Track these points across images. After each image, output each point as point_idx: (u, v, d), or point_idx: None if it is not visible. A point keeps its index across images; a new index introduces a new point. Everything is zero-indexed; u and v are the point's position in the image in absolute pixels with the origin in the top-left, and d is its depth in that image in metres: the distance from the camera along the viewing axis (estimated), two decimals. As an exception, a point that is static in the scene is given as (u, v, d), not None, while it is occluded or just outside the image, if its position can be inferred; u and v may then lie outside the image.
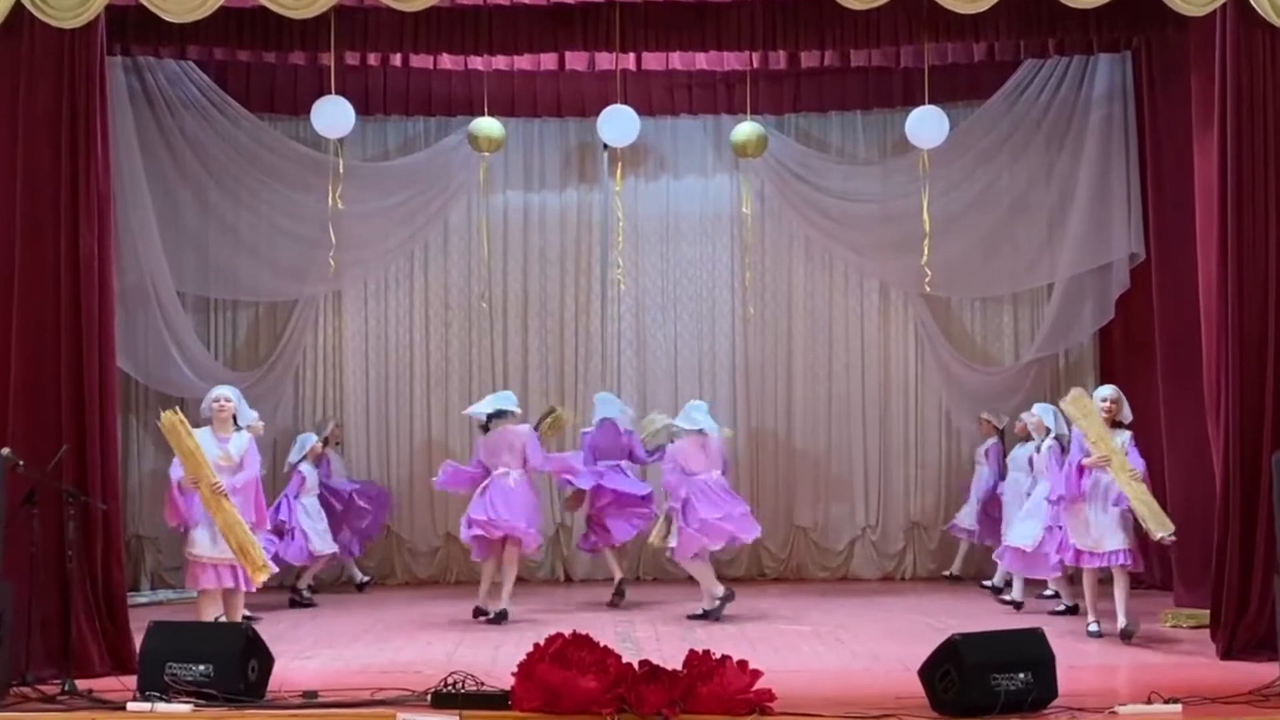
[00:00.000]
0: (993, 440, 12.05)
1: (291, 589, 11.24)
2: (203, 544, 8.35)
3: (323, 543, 11.22)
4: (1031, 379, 12.40)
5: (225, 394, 8.74)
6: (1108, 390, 9.43)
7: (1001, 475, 11.58)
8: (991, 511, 11.66)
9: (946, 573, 12.43)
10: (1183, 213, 10.12)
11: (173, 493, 8.41)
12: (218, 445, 8.53)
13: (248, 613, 10.11)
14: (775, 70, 11.79)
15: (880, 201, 12.65)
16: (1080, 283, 12.21)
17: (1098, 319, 12.26)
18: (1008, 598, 10.68)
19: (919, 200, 11.22)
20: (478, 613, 10.20)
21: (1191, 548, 9.81)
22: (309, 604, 11.18)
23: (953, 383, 12.72)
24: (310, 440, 11.45)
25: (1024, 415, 11.22)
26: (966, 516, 12.03)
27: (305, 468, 11.28)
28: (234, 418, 8.69)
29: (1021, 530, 10.14)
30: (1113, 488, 9.00)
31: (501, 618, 10.01)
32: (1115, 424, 9.16)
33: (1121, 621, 8.99)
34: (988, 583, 11.35)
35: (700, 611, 10.28)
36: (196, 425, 8.59)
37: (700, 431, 10.48)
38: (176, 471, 8.38)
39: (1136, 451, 9.12)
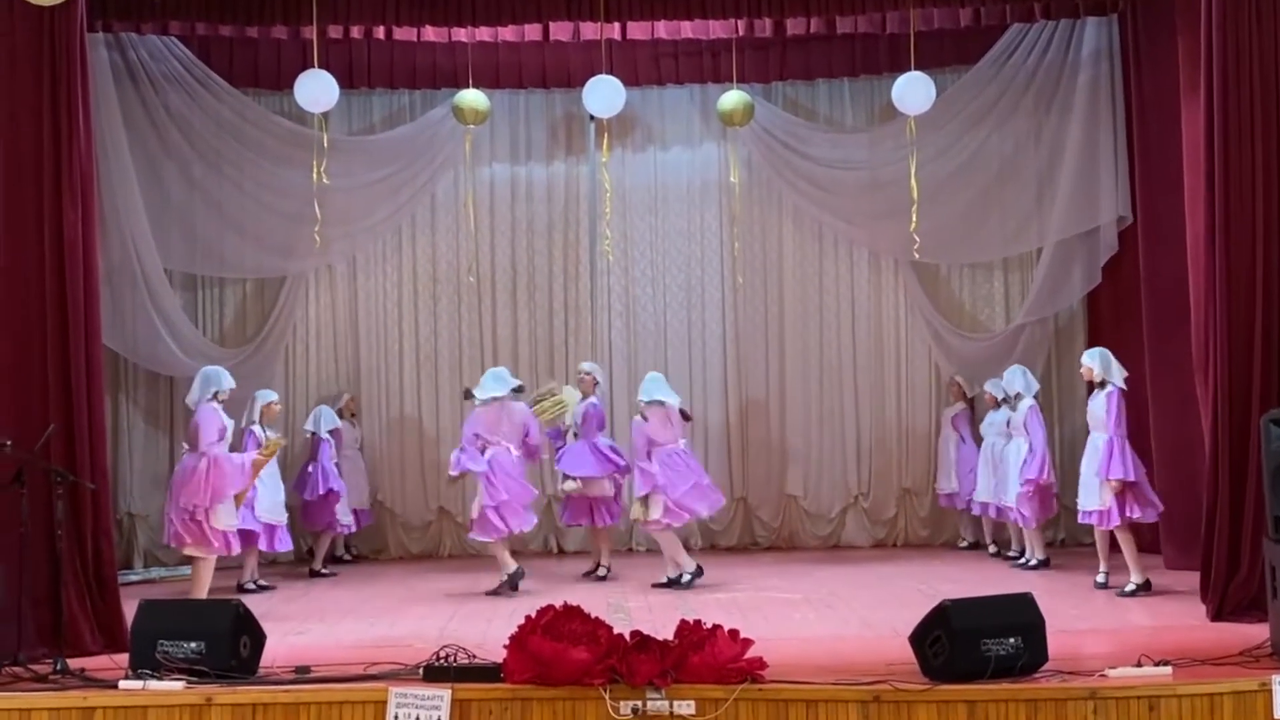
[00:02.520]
0: (961, 406, 12.19)
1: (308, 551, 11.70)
2: (230, 516, 9.28)
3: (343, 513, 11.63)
4: (1022, 344, 12.39)
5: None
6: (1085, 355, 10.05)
7: (973, 441, 11.95)
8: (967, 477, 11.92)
9: (963, 543, 12.42)
10: (1170, 175, 10.13)
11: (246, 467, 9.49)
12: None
13: (264, 582, 10.66)
14: (761, 38, 11.74)
15: (868, 169, 12.62)
16: (1068, 247, 12.20)
17: (1086, 283, 12.26)
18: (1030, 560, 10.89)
19: (907, 167, 11.19)
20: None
21: (1180, 510, 9.85)
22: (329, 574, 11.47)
23: (944, 349, 12.72)
24: (327, 412, 11.73)
25: (989, 384, 11.60)
26: (946, 483, 12.23)
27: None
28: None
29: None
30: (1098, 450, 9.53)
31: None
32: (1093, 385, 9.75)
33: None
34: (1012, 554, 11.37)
35: (665, 580, 10.38)
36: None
37: (661, 403, 10.49)
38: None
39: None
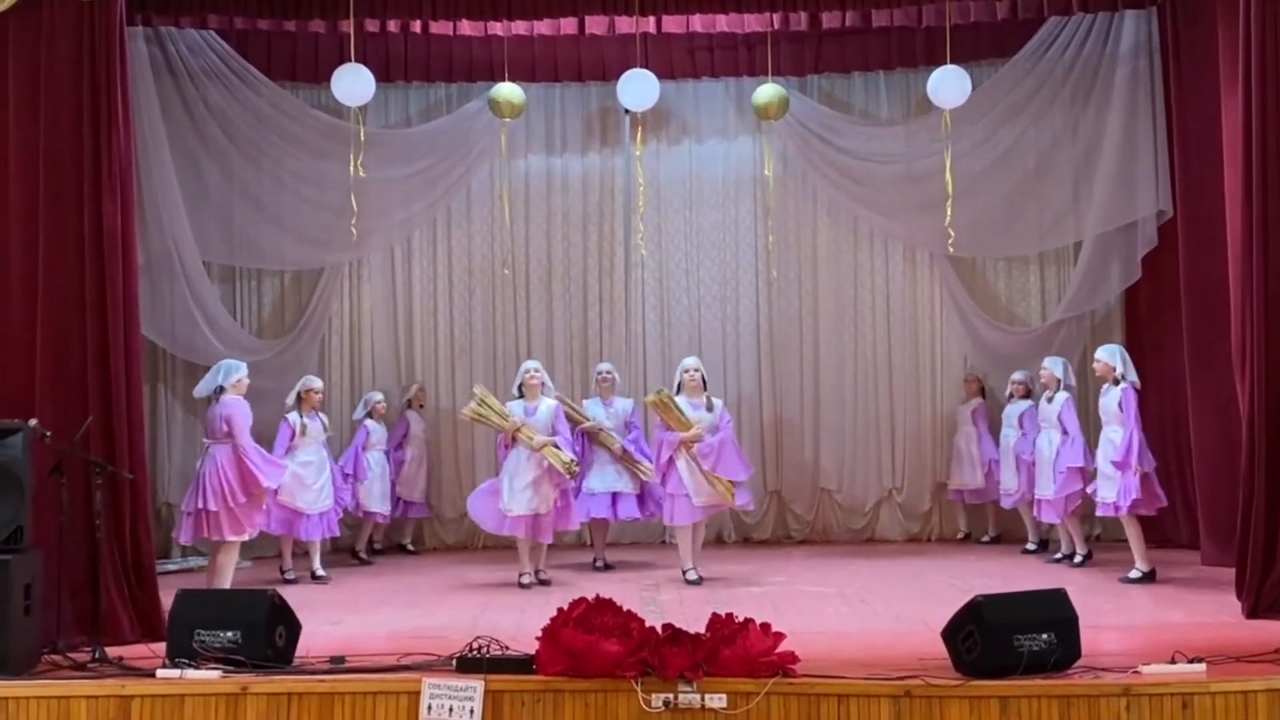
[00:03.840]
0: (979, 400, 12.33)
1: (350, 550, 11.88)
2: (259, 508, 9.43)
3: (371, 501, 11.64)
4: (1060, 339, 12.32)
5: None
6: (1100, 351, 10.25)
7: (990, 435, 12.16)
8: (992, 472, 12.11)
9: (986, 538, 12.49)
10: (1210, 169, 10.05)
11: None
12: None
13: (321, 572, 10.66)
14: (796, 31, 11.73)
15: (903, 162, 12.58)
16: (1107, 241, 12.12)
17: (1125, 278, 12.18)
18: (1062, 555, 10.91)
19: (942, 160, 11.15)
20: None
21: (1218, 505, 9.80)
22: (367, 562, 11.71)
23: (980, 344, 12.68)
24: (375, 398, 11.92)
25: (1016, 374, 11.83)
26: (971, 478, 12.27)
27: (370, 423, 11.78)
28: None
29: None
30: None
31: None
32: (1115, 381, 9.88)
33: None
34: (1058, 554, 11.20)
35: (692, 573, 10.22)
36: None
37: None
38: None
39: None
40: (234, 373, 9.46)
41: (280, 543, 10.85)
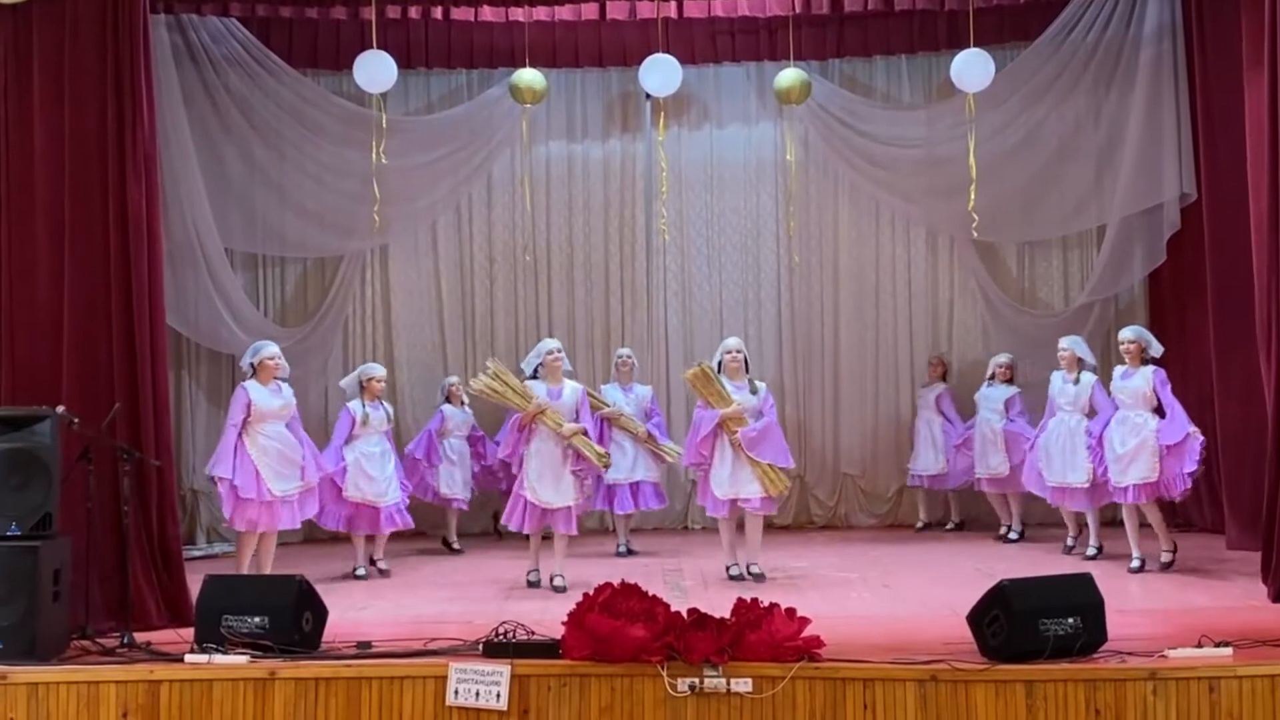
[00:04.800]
0: (944, 386, 12.26)
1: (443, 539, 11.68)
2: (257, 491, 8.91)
3: (453, 487, 11.50)
4: (1085, 323, 12.25)
5: (277, 350, 9.23)
6: (1127, 332, 9.86)
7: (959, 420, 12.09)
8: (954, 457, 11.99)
9: (918, 525, 12.46)
10: (1233, 152, 9.97)
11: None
12: (272, 396, 9.06)
13: (384, 565, 10.34)
14: (818, 15, 11.67)
15: (926, 146, 12.54)
16: (1131, 225, 12.05)
17: (1149, 261, 12.12)
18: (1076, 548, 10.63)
19: (965, 144, 11.11)
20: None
21: (1244, 489, 9.76)
22: (458, 550, 11.53)
23: (1002, 328, 12.64)
24: (450, 381, 11.79)
25: (998, 357, 11.74)
26: (933, 464, 12.13)
27: (446, 408, 11.57)
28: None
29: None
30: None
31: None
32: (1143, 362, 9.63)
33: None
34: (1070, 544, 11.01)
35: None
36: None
37: None
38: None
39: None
40: (258, 352, 9.12)
41: (353, 540, 10.27)
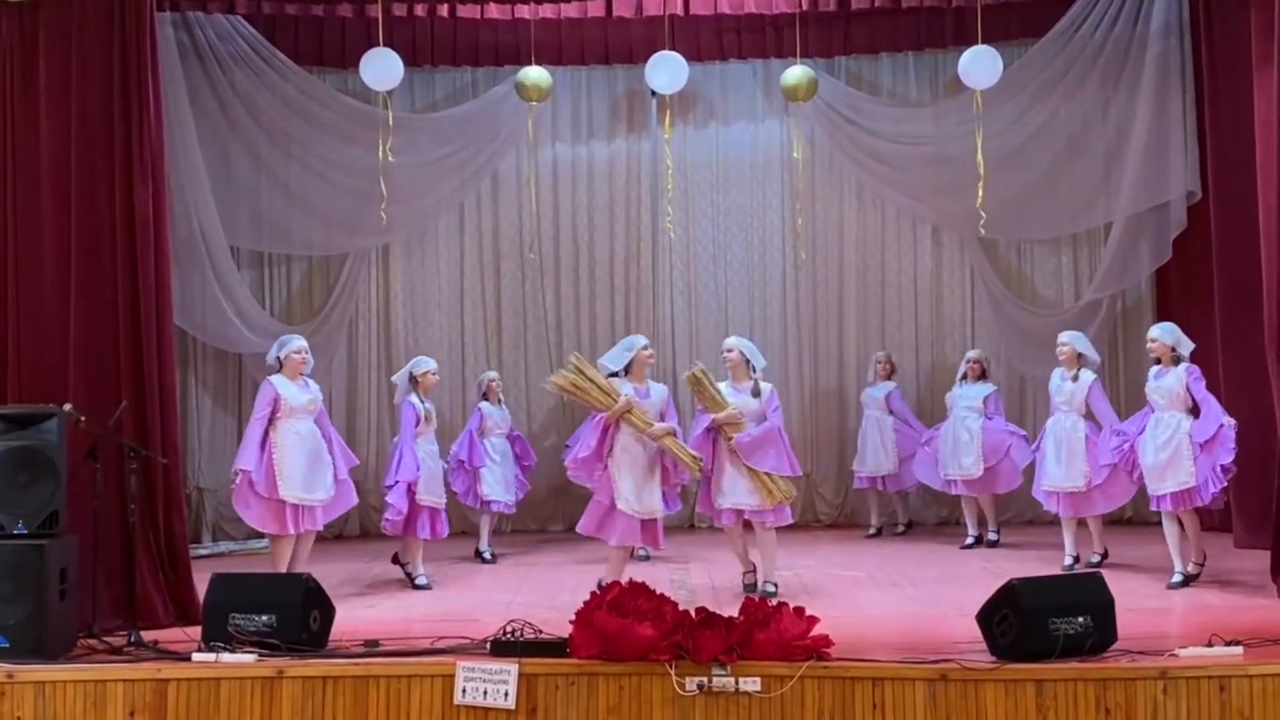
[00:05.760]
0: (893, 385, 12.04)
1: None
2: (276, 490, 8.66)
3: (494, 490, 10.86)
4: (1091, 321, 12.23)
5: (304, 344, 9.04)
6: (1156, 330, 9.30)
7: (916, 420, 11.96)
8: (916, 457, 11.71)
9: (869, 530, 12.13)
10: (1241, 150, 9.94)
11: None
12: (300, 390, 8.88)
13: (424, 579, 9.61)
14: (825, 12, 11.64)
15: (933, 144, 12.51)
16: (1137, 222, 12.04)
17: (1155, 259, 12.11)
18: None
19: (972, 142, 11.09)
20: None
21: (1251, 488, 9.71)
22: (490, 560, 10.81)
23: (1009, 326, 12.62)
24: (489, 377, 11.26)
25: (969, 353, 11.48)
26: (885, 465, 11.86)
27: (485, 406, 11.01)
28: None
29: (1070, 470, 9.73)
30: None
31: None
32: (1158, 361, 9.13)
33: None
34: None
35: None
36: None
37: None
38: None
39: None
40: (285, 346, 8.92)
41: (409, 544, 9.65)
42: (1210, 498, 8.76)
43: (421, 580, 9.59)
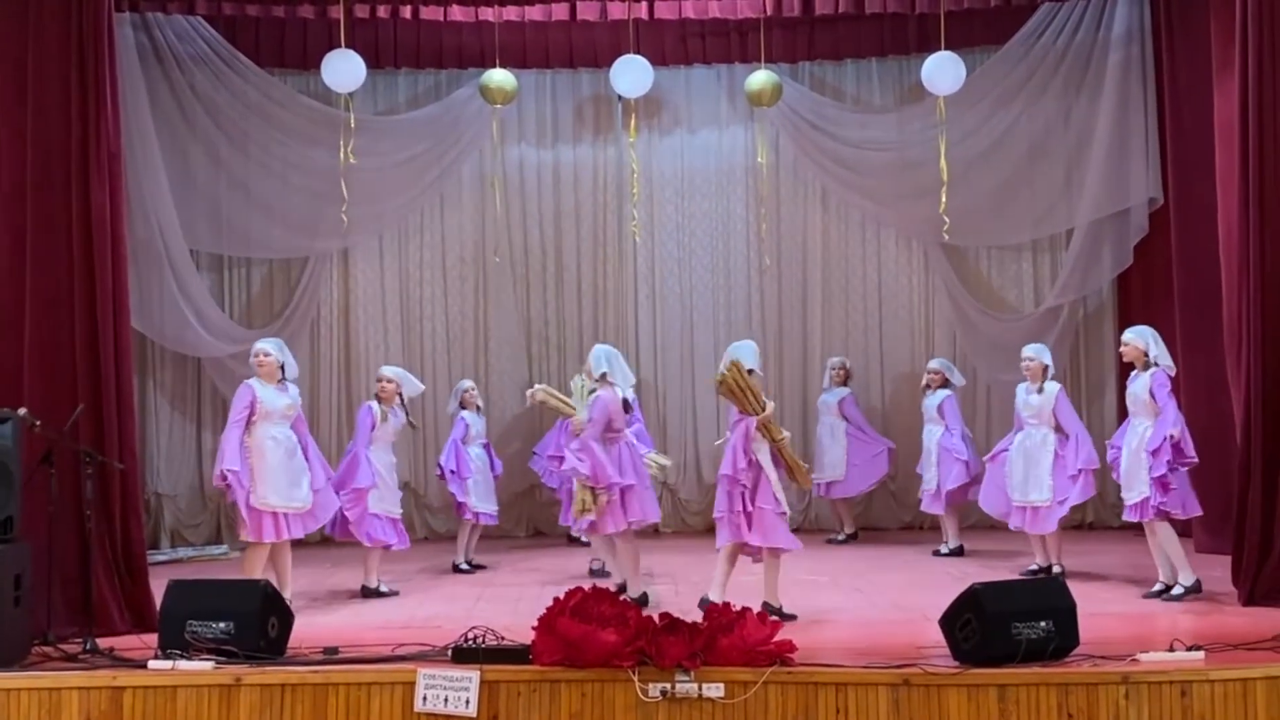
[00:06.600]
0: (847, 391, 11.97)
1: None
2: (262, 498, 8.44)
3: (479, 500, 10.62)
4: (1053, 326, 12.28)
5: (266, 348, 8.70)
6: (1129, 334, 8.89)
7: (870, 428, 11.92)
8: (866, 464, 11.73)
9: (841, 536, 11.94)
10: (1202, 156, 10.03)
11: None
12: (278, 394, 8.57)
13: (385, 587, 9.51)
14: (789, 17, 11.64)
15: (896, 149, 12.55)
16: (1099, 228, 12.11)
17: (1117, 265, 12.18)
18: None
19: (936, 147, 11.13)
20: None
21: (1212, 493, 9.75)
22: (471, 570, 10.55)
23: (972, 331, 12.65)
24: (465, 386, 11.00)
25: (930, 363, 11.37)
26: (834, 471, 11.81)
27: (466, 415, 10.77)
28: (281, 368, 8.66)
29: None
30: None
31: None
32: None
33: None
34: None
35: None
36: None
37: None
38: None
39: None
40: (253, 348, 8.76)
41: (366, 555, 9.47)
42: (1152, 511, 8.52)
43: (383, 588, 9.47)
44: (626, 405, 8.94)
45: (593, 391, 8.90)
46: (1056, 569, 9.56)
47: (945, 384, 11.20)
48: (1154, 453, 8.47)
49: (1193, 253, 10.61)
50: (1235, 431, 8.67)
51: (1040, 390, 9.59)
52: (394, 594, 9.43)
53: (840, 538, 11.95)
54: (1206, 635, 6.99)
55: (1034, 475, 9.53)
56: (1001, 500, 9.86)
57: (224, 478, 8.34)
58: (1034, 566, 9.75)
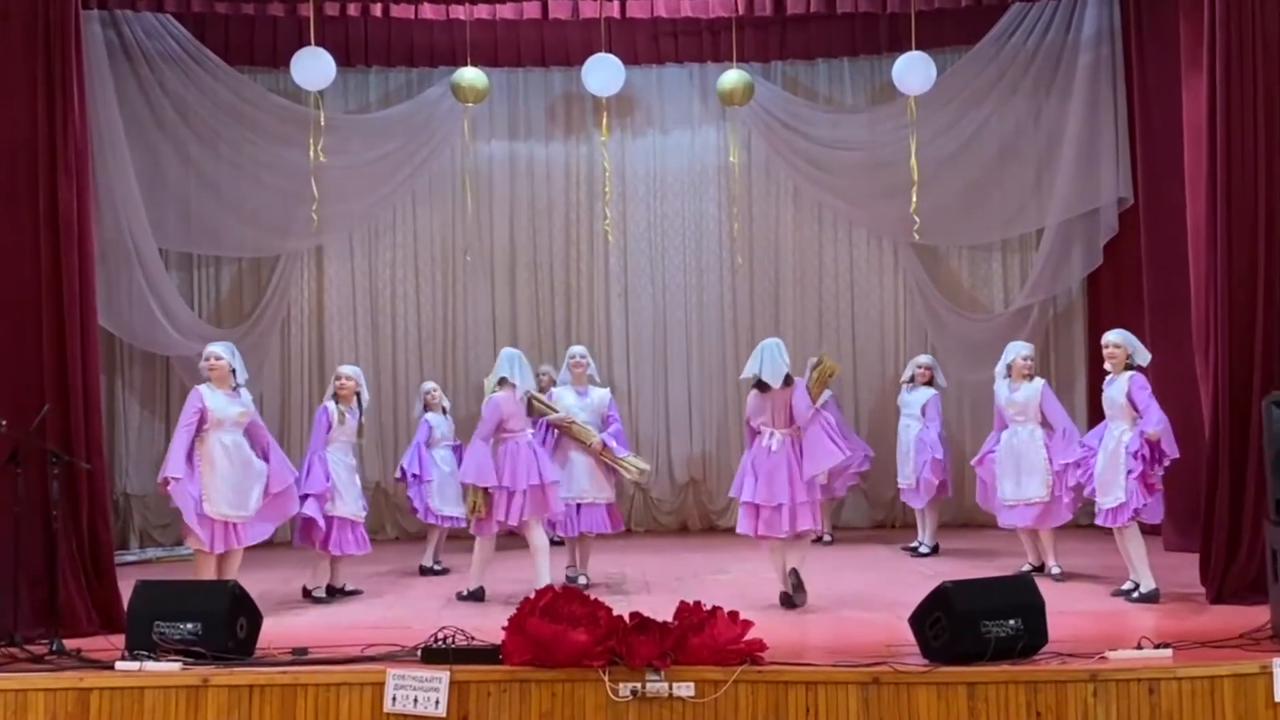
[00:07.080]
0: (828, 393, 11.74)
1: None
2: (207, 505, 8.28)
3: (445, 504, 10.45)
4: (1023, 326, 12.31)
5: (218, 350, 8.53)
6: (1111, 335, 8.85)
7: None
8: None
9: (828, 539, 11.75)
10: (1171, 156, 10.09)
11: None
12: (229, 401, 8.40)
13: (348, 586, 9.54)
14: (761, 17, 11.65)
15: (868, 149, 12.57)
16: (1069, 227, 12.16)
17: (1086, 265, 12.23)
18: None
19: (906, 147, 11.17)
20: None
21: (1180, 491, 9.80)
22: (439, 572, 10.46)
23: (942, 330, 12.67)
24: (427, 388, 10.80)
25: (919, 358, 11.30)
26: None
27: (430, 417, 10.62)
28: (233, 372, 8.48)
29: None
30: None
31: None
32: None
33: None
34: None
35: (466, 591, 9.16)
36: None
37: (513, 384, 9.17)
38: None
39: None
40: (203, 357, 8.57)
41: (318, 562, 9.41)
42: (1128, 516, 8.52)
43: (347, 586, 9.49)
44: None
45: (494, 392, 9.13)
46: (1055, 570, 9.43)
47: (930, 382, 11.16)
48: (1135, 455, 8.46)
49: (1162, 252, 10.67)
50: (1204, 430, 8.71)
51: (1020, 387, 9.51)
52: (341, 595, 9.35)
53: (828, 539, 11.76)
54: (1174, 633, 7.05)
55: (1031, 474, 9.43)
56: (994, 501, 9.80)
57: (166, 483, 8.20)
58: (1026, 567, 9.62)
